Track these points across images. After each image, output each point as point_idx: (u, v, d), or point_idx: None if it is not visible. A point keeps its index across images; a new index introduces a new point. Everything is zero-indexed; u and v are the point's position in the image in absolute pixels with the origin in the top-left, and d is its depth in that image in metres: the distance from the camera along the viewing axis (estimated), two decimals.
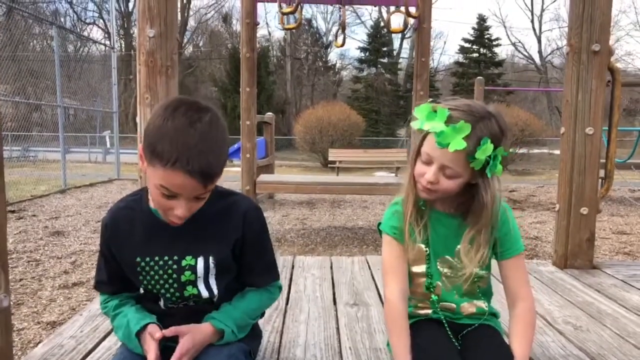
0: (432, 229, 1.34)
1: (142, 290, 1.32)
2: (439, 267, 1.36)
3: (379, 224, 1.40)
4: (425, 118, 1.22)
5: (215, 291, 1.30)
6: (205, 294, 1.29)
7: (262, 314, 1.48)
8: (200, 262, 1.27)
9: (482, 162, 1.19)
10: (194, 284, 1.28)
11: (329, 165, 13.74)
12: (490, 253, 1.33)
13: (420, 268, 1.36)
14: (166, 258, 1.27)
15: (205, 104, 1.16)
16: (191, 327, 1.24)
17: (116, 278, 1.33)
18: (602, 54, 2.63)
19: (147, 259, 1.27)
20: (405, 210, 1.33)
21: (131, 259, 1.27)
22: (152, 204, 1.27)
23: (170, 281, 1.27)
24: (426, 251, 1.34)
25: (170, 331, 1.21)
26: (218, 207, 1.29)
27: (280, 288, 1.45)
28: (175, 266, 1.26)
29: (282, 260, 2.88)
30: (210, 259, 1.27)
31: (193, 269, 1.27)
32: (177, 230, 1.24)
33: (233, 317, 1.29)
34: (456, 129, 1.16)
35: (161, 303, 1.32)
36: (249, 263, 1.34)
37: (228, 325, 1.27)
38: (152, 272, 1.27)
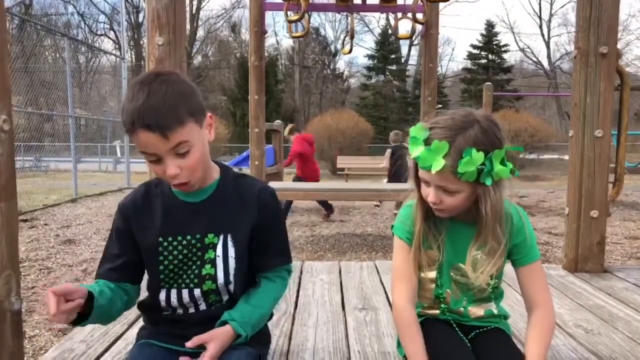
0: (447, 236, 1.32)
1: (161, 276, 1.28)
2: (452, 274, 1.34)
3: (393, 225, 1.39)
4: (410, 142, 1.21)
5: (232, 276, 1.29)
6: (221, 277, 1.28)
7: (271, 316, 1.48)
8: (221, 239, 1.28)
9: (473, 173, 1.14)
10: (213, 262, 1.28)
11: (338, 173, 13.74)
12: (504, 263, 1.30)
13: (430, 274, 1.35)
14: (189, 237, 1.27)
15: (169, 70, 1.21)
16: (213, 334, 1.22)
17: (125, 265, 1.29)
18: (610, 56, 2.62)
19: (170, 238, 1.27)
20: (416, 217, 1.31)
21: (153, 239, 1.27)
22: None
23: (195, 259, 1.27)
24: (439, 258, 1.32)
25: (193, 342, 1.18)
26: (234, 187, 1.32)
27: (290, 272, 1.42)
28: (199, 244, 1.27)
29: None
30: (229, 237, 1.28)
31: (215, 247, 1.28)
32: (197, 209, 1.27)
33: (252, 321, 1.28)
34: (432, 150, 1.15)
35: (161, 295, 1.29)
36: (263, 244, 1.33)
37: (246, 331, 1.25)
38: (175, 252, 1.27)
